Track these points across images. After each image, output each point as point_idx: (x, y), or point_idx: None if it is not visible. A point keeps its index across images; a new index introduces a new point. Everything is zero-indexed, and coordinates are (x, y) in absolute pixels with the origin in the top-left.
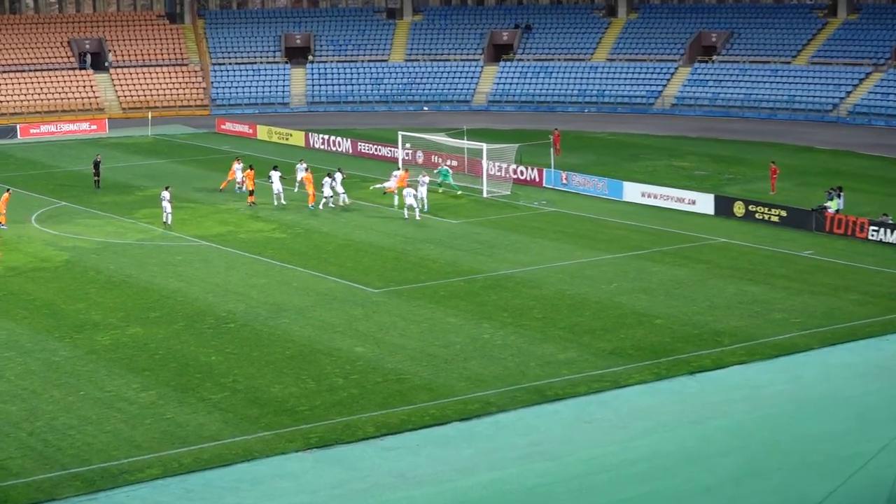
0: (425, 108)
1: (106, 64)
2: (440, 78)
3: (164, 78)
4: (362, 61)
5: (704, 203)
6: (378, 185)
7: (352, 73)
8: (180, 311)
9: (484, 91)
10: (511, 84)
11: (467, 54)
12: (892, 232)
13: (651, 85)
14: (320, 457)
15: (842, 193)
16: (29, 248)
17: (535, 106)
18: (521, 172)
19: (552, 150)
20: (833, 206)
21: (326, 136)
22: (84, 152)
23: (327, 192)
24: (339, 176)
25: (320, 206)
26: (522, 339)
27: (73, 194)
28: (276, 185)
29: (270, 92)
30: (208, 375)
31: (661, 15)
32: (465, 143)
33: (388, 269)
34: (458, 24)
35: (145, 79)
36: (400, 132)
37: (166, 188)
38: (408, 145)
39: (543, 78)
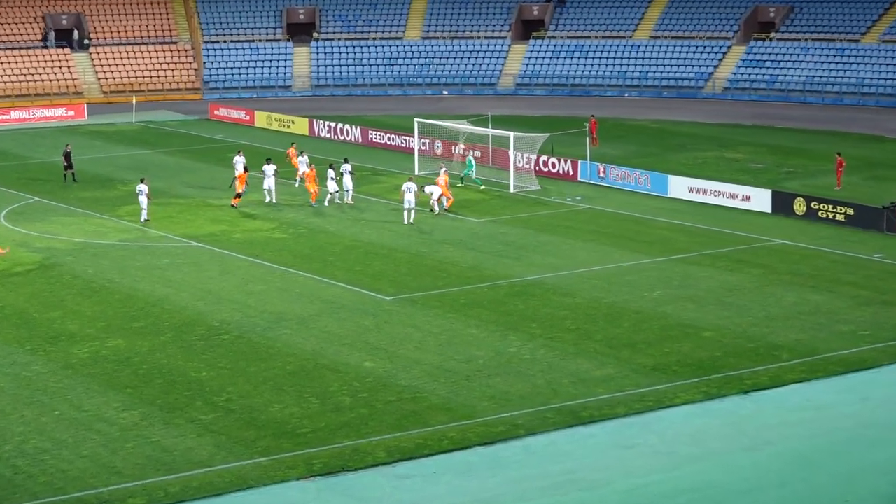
0: (445, 93)
1: (85, 42)
2: (462, 58)
3: (151, 58)
4: (374, 39)
5: (760, 200)
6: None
7: (362, 53)
8: (167, 321)
9: (511, 73)
10: (542, 65)
11: (493, 31)
12: None
13: (700, 66)
14: (324, 485)
15: None
16: None
17: (569, 90)
18: (553, 165)
19: (588, 139)
20: None
21: (333, 124)
22: (60, 141)
23: (332, 186)
24: (346, 167)
25: (325, 203)
26: (553, 353)
27: (47, 189)
28: (268, 181)
29: (270, 74)
30: (199, 393)
31: None
32: (489, 131)
33: (401, 273)
34: None
35: (129, 59)
36: (416, 119)
37: (142, 180)
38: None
39: (578, 58)
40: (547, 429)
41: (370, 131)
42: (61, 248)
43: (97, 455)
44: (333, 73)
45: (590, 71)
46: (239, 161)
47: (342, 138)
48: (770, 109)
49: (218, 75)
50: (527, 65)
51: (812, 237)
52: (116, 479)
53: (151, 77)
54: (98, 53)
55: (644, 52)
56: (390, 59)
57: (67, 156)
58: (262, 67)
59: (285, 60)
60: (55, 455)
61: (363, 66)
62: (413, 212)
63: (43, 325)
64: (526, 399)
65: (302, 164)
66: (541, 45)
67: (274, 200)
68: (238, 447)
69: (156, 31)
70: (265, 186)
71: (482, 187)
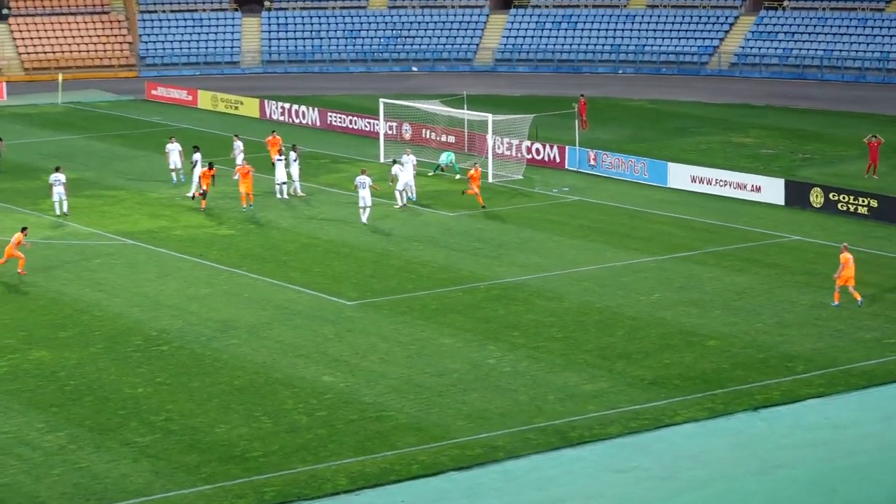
0: (414, 69)
1: (3, 12)
2: (433, 30)
3: (79, 30)
4: (333, 9)
5: (772, 190)
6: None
7: (319, 24)
8: (99, 330)
9: (489, 47)
10: (524, 38)
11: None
12: None
13: (704, 38)
14: None
15: None
16: None
17: (556, 66)
18: (537, 151)
19: (577, 122)
20: None
21: (287, 106)
22: None
23: (280, 175)
24: (292, 155)
25: (277, 196)
26: (538, 365)
27: None
28: (198, 171)
29: (215, 48)
30: (134, 412)
31: None
32: (465, 114)
33: (365, 275)
34: None
35: (54, 31)
36: (382, 100)
37: (57, 169)
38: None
39: (566, 30)
40: (530, 451)
41: (329, 113)
42: None
43: (18, 483)
44: (287, 47)
45: (579, 44)
46: (173, 149)
47: (297, 121)
48: (783, 88)
49: (156, 50)
50: (507, 37)
51: (831, 232)
52: None
53: (80, 52)
54: (18, 25)
55: (641, 22)
56: (352, 31)
57: None
58: (207, 41)
59: (232, 33)
60: None
61: (321, 39)
62: (368, 210)
63: None
64: (506, 418)
65: (238, 153)
66: (523, 15)
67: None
68: (179, 473)
69: None
70: (194, 178)
71: (458, 176)
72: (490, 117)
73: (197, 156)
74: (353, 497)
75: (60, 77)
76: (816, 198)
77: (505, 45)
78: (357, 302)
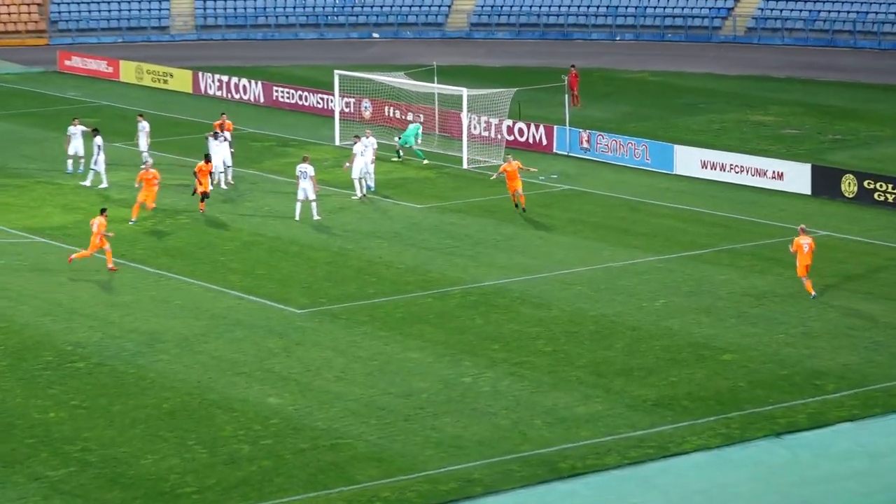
0: (375, 36)
1: None
2: None
3: None
4: None
5: (797, 177)
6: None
7: None
8: (2, 344)
9: (464, 9)
10: None
11: None
12: None
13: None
14: None
15: None
16: None
17: (542, 31)
18: (520, 132)
19: (567, 97)
20: None
21: (225, 79)
22: None
23: (216, 162)
24: (223, 136)
25: (220, 185)
26: (522, 384)
27: None
28: (100, 161)
29: (140, 11)
30: (45, 441)
31: None
32: (434, 88)
33: (318, 278)
34: None
35: None
36: (337, 71)
37: None
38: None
39: None
40: (513, 485)
41: (275, 88)
42: None
43: None
44: (225, 9)
45: (569, 5)
46: (76, 132)
47: (238, 97)
48: (809, 57)
49: (69, 13)
50: None
51: (865, 227)
52: None
53: None
54: None
55: None
56: None
57: None
58: (130, 2)
59: None
60: None
61: (265, 0)
62: (314, 204)
63: None
64: (485, 446)
65: (142, 137)
66: None
67: (105, 185)
68: None
69: None
70: (93, 165)
71: (425, 161)
72: (465, 92)
73: (98, 140)
74: None
75: None
76: (849, 186)
77: (482, 6)
78: (308, 310)
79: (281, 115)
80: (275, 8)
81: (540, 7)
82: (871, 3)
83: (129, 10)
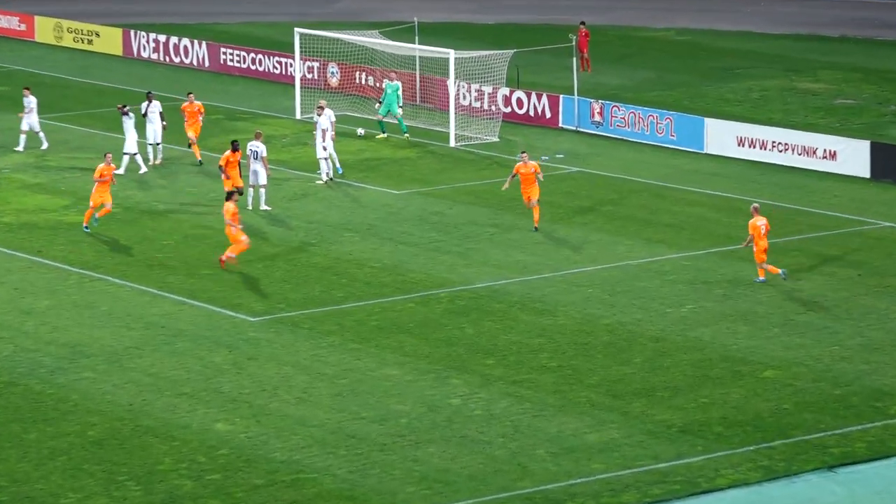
0: None
1: None
2: None
3: None
4: None
5: (853, 157)
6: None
7: None
8: None
9: None
10: None
11: None
12: None
13: None
14: None
15: None
16: None
17: None
18: (519, 103)
19: (575, 60)
20: None
21: (162, 38)
22: None
23: (130, 144)
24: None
25: (141, 169)
26: (522, 406)
27: None
28: (24, 123)
29: None
30: None
31: None
32: (416, 49)
33: (275, 279)
34: None
35: None
36: (297, 29)
37: None
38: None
39: None
40: None
41: (223, 49)
42: None
43: None
44: None
45: None
46: (30, 104)
47: (178, 61)
48: (867, 12)
49: None
50: None
51: None
52: None
53: None
54: None
55: None
56: None
57: None
58: None
59: None
60: None
61: None
62: (264, 191)
63: None
64: (477, 481)
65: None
66: None
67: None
68: None
69: None
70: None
71: (406, 135)
72: (452, 54)
73: (30, 101)
74: None
75: None
76: None
77: None
78: (264, 317)
79: (230, 83)
80: None
81: None
82: None
83: None
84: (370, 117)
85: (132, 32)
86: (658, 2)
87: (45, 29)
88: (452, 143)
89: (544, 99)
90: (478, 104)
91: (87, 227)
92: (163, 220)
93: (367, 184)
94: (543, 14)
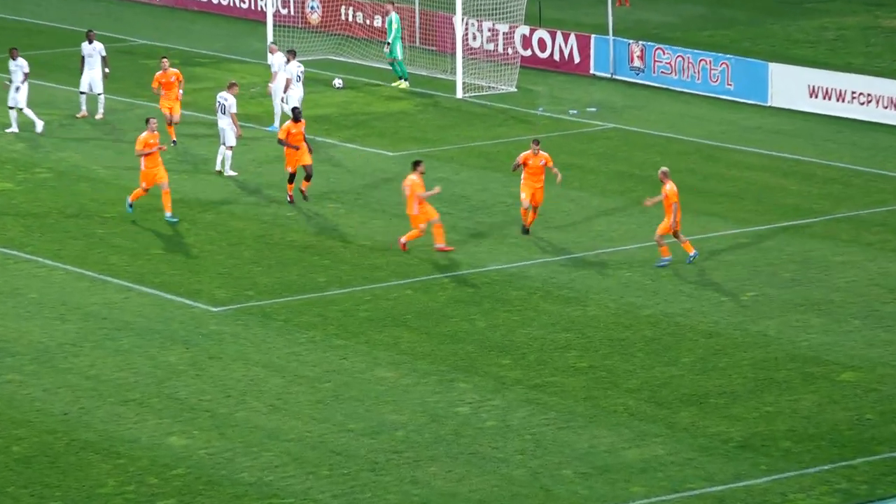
0: None
1: None
2: None
3: None
4: None
5: None
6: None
7: None
8: None
9: None
10: None
11: None
12: None
13: None
14: None
15: None
16: None
17: None
18: (541, 44)
19: None
20: None
21: None
22: None
23: (12, 97)
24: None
25: (38, 129)
26: (545, 416)
27: None
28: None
29: None
30: None
31: None
32: None
33: (243, 261)
34: None
35: None
36: None
37: None
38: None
39: None
40: None
41: None
42: None
43: None
44: None
45: None
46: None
47: None
48: None
49: None
50: None
51: None
52: None
53: None
54: None
55: None
56: None
57: None
58: None
59: None
60: None
61: None
62: (229, 154)
63: None
64: None
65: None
66: None
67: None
68: None
69: None
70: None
71: (404, 84)
72: None
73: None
74: None
75: None
76: None
77: None
78: (228, 307)
79: (188, 21)
80: None
81: None
82: None
83: None
84: (363, 63)
85: None
86: None
87: None
88: (459, 94)
89: (572, 39)
90: (491, 46)
91: (130, 207)
92: (103, 186)
93: (355, 143)
94: None
